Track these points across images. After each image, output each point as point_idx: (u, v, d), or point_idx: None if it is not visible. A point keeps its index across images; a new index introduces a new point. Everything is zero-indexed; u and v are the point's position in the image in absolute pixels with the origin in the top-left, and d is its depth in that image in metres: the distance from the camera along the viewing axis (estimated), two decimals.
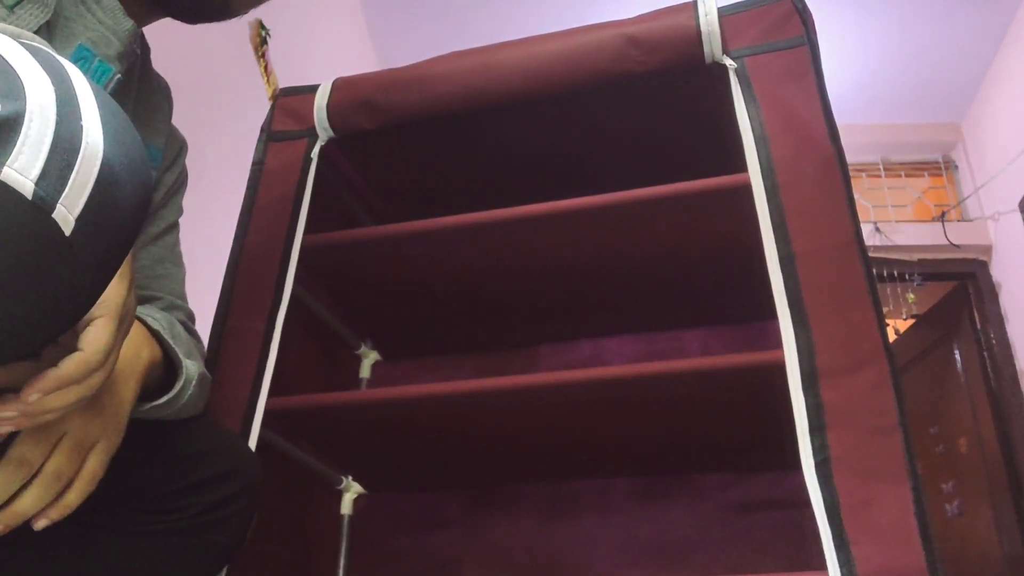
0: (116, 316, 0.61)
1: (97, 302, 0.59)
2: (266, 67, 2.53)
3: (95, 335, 0.59)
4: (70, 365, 0.58)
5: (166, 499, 0.81)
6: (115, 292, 0.61)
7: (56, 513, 0.65)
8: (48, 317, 0.48)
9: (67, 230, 0.45)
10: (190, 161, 1.02)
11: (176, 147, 0.99)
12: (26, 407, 0.58)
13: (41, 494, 0.64)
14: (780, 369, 0.91)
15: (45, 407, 0.59)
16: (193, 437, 0.86)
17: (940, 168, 4.24)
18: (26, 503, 0.63)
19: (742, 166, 1.04)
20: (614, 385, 1.06)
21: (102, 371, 0.61)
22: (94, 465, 0.68)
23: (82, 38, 0.76)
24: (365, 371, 1.48)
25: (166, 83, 1.00)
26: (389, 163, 1.36)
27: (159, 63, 1.00)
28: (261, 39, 2.52)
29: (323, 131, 1.23)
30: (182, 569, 0.84)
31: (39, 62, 0.48)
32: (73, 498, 0.66)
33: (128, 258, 0.64)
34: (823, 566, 0.80)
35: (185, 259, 0.99)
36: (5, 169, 0.43)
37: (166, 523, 0.81)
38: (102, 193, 0.47)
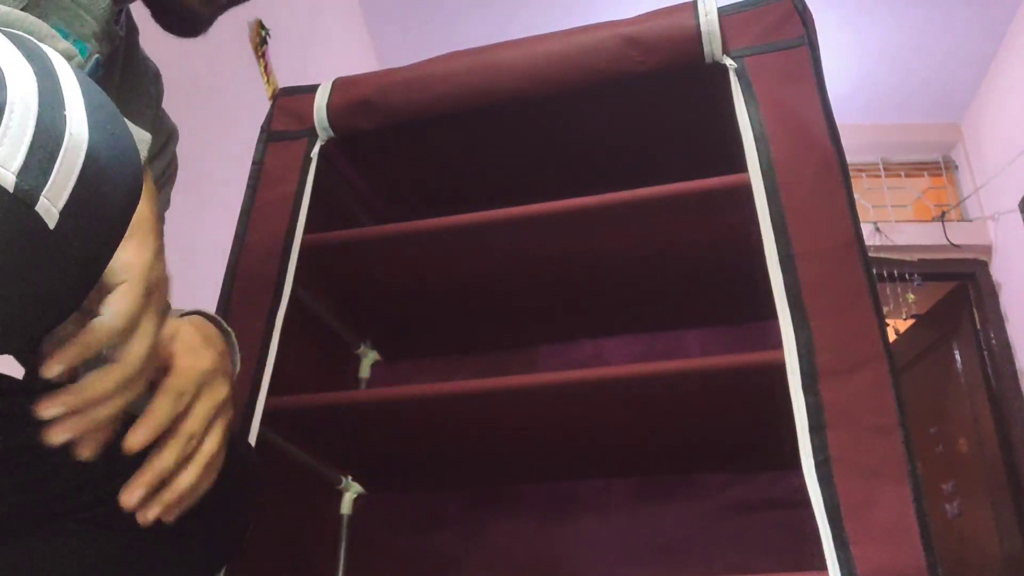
0: (141, 282, 0.59)
1: (119, 269, 0.58)
2: (266, 67, 2.53)
3: (116, 300, 0.58)
4: (90, 330, 0.57)
5: None
6: (139, 259, 0.60)
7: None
8: (36, 311, 0.47)
9: (51, 223, 0.44)
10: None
11: (164, 135, 0.97)
12: (67, 398, 0.57)
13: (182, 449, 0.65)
14: (780, 369, 0.91)
15: (86, 394, 0.58)
16: None
17: (940, 168, 4.24)
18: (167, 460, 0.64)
19: (742, 166, 1.04)
20: (614, 385, 1.06)
21: (136, 342, 0.60)
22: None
23: (54, 18, 0.74)
24: (365, 371, 1.48)
25: (155, 67, 0.98)
26: (389, 163, 1.36)
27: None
28: (261, 39, 2.52)
29: (323, 131, 1.23)
30: (181, 569, 0.84)
31: (21, 51, 0.47)
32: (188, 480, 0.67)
33: (154, 226, 0.63)
34: (823, 566, 0.80)
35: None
36: None
37: (161, 523, 0.81)
38: (87, 185, 0.46)
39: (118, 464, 0.78)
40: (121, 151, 0.51)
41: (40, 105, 0.45)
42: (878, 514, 0.81)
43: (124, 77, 0.88)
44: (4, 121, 0.43)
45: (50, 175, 0.44)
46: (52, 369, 0.56)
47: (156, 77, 0.98)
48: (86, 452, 0.61)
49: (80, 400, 0.58)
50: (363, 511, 1.39)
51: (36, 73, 0.46)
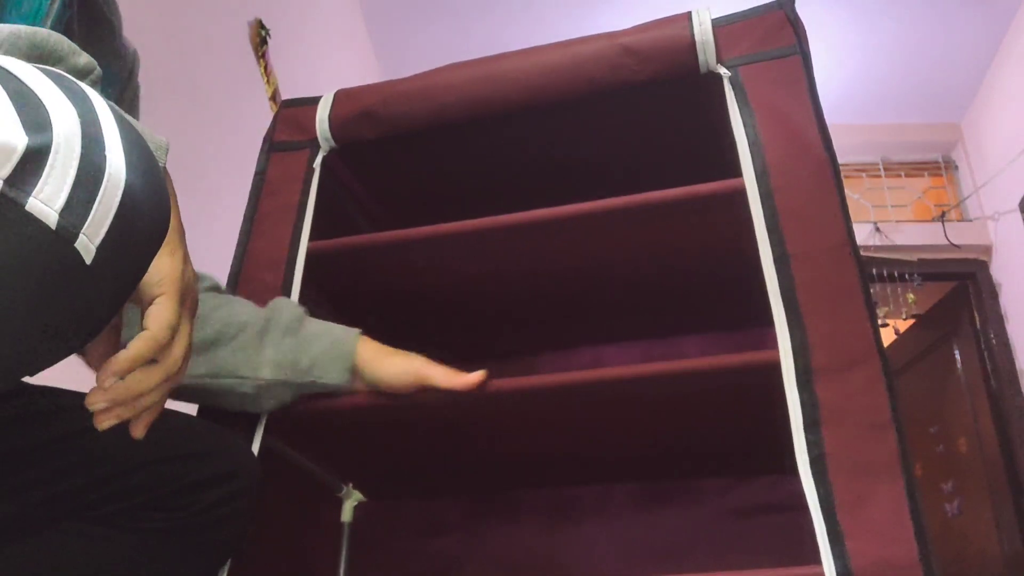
0: (176, 291, 0.64)
1: (156, 281, 0.63)
2: (266, 67, 2.54)
3: (158, 312, 0.62)
4: (138, 344, 0.62)
5: (169, 497, 0.83)
6: (171, 268, 0.64)
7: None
8: (68, 336, 0.50)
9: (88, 258, 0.47)
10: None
11: (128, 64, 0.97)
12: (114, 393, 0.62)
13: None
14: (776, 369, 0.92)
15: (132, 390, 0.63)
16: (194, 437, 0.89)
17: (940, 168, 4.25)
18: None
19: (737, 172, 1.06)
20: (612, 386, 1.06)
21: (177, 346, 0.64)
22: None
23: None
24: None
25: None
26: (390, 172, 1.37)
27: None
28: (261, 39, 2.52)
29: (325, 142, 1.25)
30: (182, 567, 0.86)
31: (63, 91, 0.49)
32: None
33: (180, 233, 0.67)
34: (818, 562, 0.81)
35: None
36: (31, 200, 0.44)
37: (169, 520, 0.83)
38: (123, 221, 0.49)
39: (125, 464, 0.80)
40: (152, 185, 0.53)
41: (83, 145, 0.47)
42: (872, 509, 0.82)
43: (82, 5, 0.87)
44: (50, 161, 0.45)
45: (90, 213, 0.47)
46: (107, 381, 0.61)
47: (114, 7, 0.95)
48: (137, 432, 0.66)
49: (126, 395, 0.63)
50: (364, 518, 1.39)
51: (79, 113, 0.49)
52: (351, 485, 1.38)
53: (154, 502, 0.83)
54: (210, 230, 1.71)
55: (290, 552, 1.26)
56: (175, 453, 0.85)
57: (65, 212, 0.46)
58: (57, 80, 0.50)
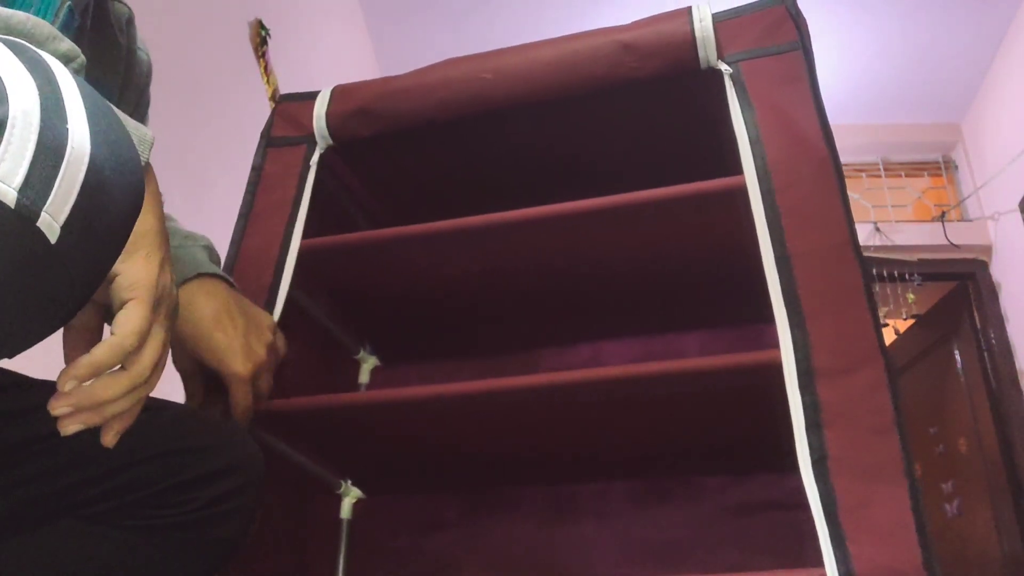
0: (148, 298, 0.60)
1: (127, 286, 0.59)
2: (266, 67, 2.54)
3: (126, 318, 0.59)
4: (101, 348, 0.58)
5: (166, 493, 0.82)
6: (146, 273, 0.61)
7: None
8: (37, 321, 0.48)
9: (52, 238, 0.44)
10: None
11: (139, 88, 0.95)
12: (76, 400, 0.58)
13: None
14: (777, 369, 0.91)
15: (95, 397, 0.59)
16: (195, 431, 0.87)
17: (940, 168, 4.25)
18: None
19: (738, 170, 1.05)
20: (612, 386, 1.06)
21: (146, 354, 0.61)
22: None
23: None
24: (364, 376, 1.48)
25: (129, 11, 0.94)
26: (388, 169, 1.36)
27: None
28: (261, 39, 2.52)
29: (322, 139, 1.24)
30: (183, 564, 0.85)
31: (23, 62, 0.47)
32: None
33: (159, 236, 0.64)
34: (820, 564, 0.80)
35: None
36: None
37: (167, 518, 0.82)
38: (89, 198, 0.46)
39: (118, 460, 0.79)
40: (122, 161, 0.50)
41: (42, 119, 0.45)
42: (875, 513, 0.81)
43: (95, 26, 0.85)
44: (6, 136, 0.43)
45: (52, 190, 0.44)
46: (66, 385, 0.57)
47: (129, 22, 0.94)
48: (107, 440, 0.63)
49: (88, 402, 0.59)
50: (362, 515, 1.39)
51: (38, 85, 0.46)
52: (350, 482, 1.38)
53: (150, 499, 0.81)
54: (209, 228, 1.70)
55: (288, 549, 1.25)
56: (171, 448, 0.83)
57: (24, 190, 0.43)
58: (15, 50, 0.47)
